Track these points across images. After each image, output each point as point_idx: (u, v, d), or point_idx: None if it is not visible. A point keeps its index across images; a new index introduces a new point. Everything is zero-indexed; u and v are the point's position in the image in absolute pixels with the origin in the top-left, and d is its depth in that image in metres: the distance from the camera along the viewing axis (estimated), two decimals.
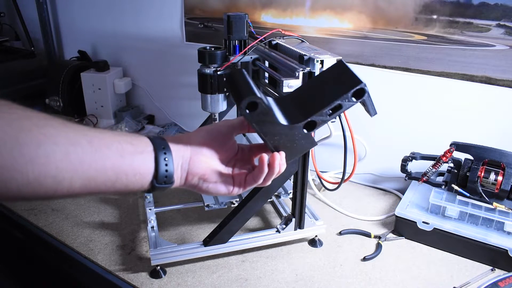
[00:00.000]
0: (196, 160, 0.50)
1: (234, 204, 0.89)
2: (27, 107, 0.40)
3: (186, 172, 0.50)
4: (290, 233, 0.87)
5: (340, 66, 0.54)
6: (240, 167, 0.55)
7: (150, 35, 1.41)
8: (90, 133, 0.43)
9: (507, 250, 0.82)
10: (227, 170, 0.54)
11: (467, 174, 0.89)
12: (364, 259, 0.86)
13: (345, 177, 0.84)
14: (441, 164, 0.92)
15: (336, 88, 0.51)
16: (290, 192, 0.92)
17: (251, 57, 0.90)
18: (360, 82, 0.49)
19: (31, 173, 0.38)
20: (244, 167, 0.55)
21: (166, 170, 0.47)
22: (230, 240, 0.83)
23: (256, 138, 1.08)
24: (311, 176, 1.03)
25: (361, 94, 0.50)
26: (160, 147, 0.48)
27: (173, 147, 0.49)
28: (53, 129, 0.40)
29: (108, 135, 0.45)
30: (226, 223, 0.80)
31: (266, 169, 0.50)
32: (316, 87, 0.55)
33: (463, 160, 0.90)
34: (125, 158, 0.44)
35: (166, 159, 0.47)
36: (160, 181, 0.47)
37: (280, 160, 0.50)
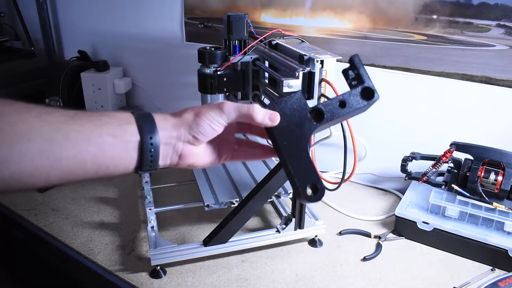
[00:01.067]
0: (187, 154, 0.49)
1: (234, 204, 0.89)
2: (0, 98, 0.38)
3: (176, 163, 0.49)
4: (290, 233, 0.87)
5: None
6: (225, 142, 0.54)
7: (150, 35, 1.41)
8: (66, 126, 0.41)
9: (507, 250, 0.82)
10: (215, 151, 0.53)
11: (467, 174, 0.89)
12: (364, 259, 0.86)
13: (345, 177, 0.84)
14: (441, 164, 0.92)
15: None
16: (290, 192, 0.92)
17: (251, 57, 0.90)
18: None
19: (6, 172, 0.37)
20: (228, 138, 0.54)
21: (151, 161, 0.46)
22: (230, 240, 0.83)
23: None
24: None
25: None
26: (148, 136, 0.44)
27: (162, 133, 0.46)
28: (26, 125, 0.38)
29: (88, 126, 0.42)
30: (226, 223, 0.80)
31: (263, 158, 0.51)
32: None
33: (463, 160, 0.90)
34: (106, 151, 0.42)
35: (152, 150, 0.45)
36: (144, 168, 0.46)
37: None
